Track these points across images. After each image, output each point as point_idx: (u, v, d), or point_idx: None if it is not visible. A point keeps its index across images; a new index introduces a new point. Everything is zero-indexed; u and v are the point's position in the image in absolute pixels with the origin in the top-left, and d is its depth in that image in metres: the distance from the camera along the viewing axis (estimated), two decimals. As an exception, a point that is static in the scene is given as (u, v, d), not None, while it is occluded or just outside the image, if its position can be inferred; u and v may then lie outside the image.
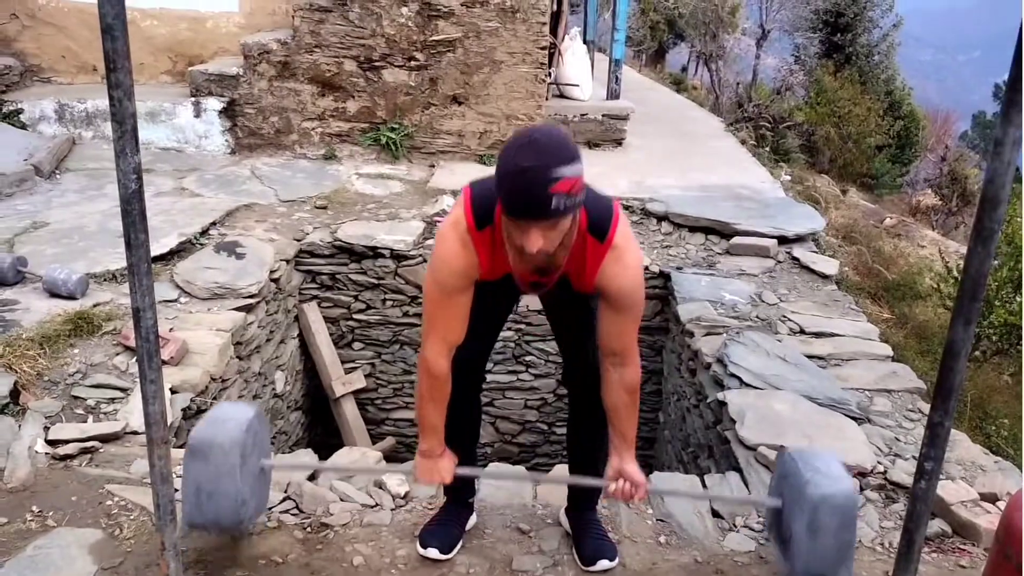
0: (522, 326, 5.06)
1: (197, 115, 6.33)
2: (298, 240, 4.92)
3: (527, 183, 1.75)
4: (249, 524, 2.28)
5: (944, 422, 1.80)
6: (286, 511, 2.62)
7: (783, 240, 5.06)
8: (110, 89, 1.59)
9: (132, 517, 2.51)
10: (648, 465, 4.93)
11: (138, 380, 3.27)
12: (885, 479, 2.89)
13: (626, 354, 2.12)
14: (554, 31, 7.42)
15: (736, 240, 5.01)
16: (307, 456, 3.05)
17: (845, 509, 2.09)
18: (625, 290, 2.03)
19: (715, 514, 2.72)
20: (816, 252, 5.06)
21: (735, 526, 2.66)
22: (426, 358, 2.13)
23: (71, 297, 3.79)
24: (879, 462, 2.96)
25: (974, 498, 2.72)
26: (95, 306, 3.75)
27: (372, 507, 2.67)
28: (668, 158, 6.85)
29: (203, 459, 2.15)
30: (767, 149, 9.81)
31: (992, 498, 2.72)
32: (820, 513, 2.07)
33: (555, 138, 1.81)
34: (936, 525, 2.66)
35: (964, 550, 2.57)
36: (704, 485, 2.92)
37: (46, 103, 6.21)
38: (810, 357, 3.72)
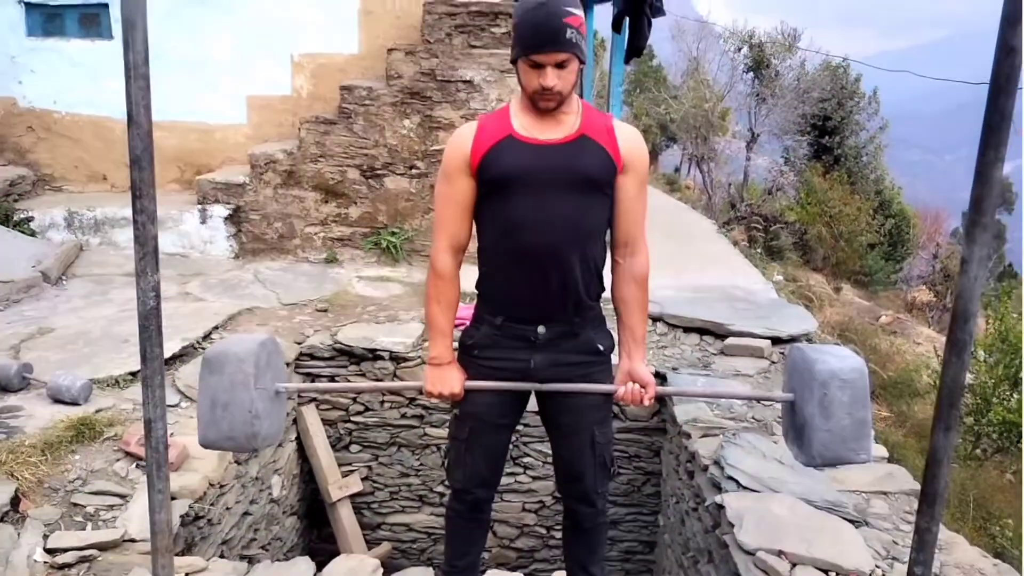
0: (520, 428, 5.08)
1: (203, 221, 6.52)
2: (298, 343, 4.99)
3: (545, 15, 2.01)
4: (263, 443, 2.21)
5: (931, 527, 1.84)
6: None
7: (777, 340, 5.14)
8: (135, 214, 1.71)
9: (129, 628, 2.50)
10: (649, 570, 4.87)
11: (137, 487, 3.32)
12: (884, 584, 2.88)
13: (637, 241, 2.24)
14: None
15: (730, 341, 5.09)
16: (304, 564, 3.04)
17: (855, 383, 2.05)
18: (643, 154, 2.19)
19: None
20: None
21: (735, 634, 2.64)
22: (433, 258, 2.25)
23: (74, 403, 3.84)
24: (877, 566, 2.96)
25: (974, 603, 2.71)
26: (97, 412, 3.80)
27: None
28: (662, 260, 6.97)
29: (218, 371, 2.13)
30: (759, 250, 10.01)
31: (992, 603, 2.71)
32: (830, 389, 2.04)
33: None
34: (937, 631, 2.65)
35: (966, 658, 2.55)
36: (703, 591, 2.91)
37: (56, 211, 6.42)
38: (806, 459, 3.74)
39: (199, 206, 6.51)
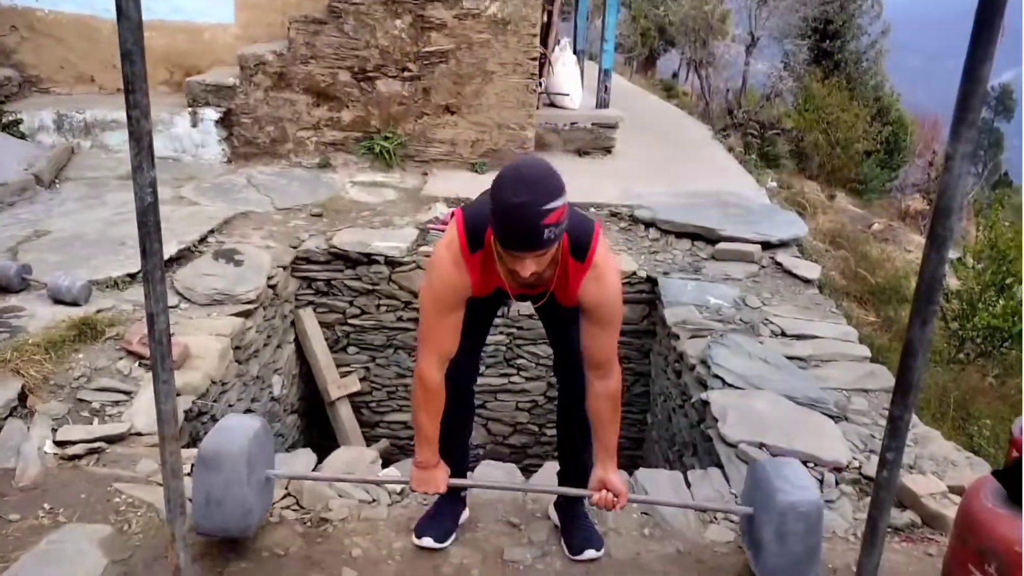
0: (513, 330, 5.19)
1: (194, 125, 6.45)
2: (294, 247, 5.03)
3: (521, 218, 1.89)
4: (253, 530, 2.41)
5: (904, 416, 1.93)
6: (287, 507, 2.74)
7: (767, 246, 5.20)
8: (128, 109, 1.71)
9: (139, 513, 2.63)
10: (636, 464, 5.05)
11: (140, 384, 3.41)
12: (860, 474, 3.02)
13: (608, 365, 2.26)
14: (544, 41, 7.56)
15: (721, 246, 5.15)
16: (307, 456, 3.16)
17: (810, 515, 2.24)
18: (604, 305, 2.18)
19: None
20: (799, 257, 5.20)
21: (715, 519, 2.79)
22: (421, 371, 2.27)
23: (75, 304, 3.90)
24: (854, 458, 3.10)
25: (943, 490, 2.86)
26: (98, 312, 3.86)
27: (369, 503, 2.79)
28: (657, 166, 6.99)
29: (213, 469, 2.30)
30: (754, 156, 9.97)
31: (960, 491, 2.84)
32: (787, 520, 2.23)
33: (543, 173, 1.95)
34: (907, 516, 2.80)
35: (932, 539, 2.70)
36: (687, 481, 3.04)
37: (45, 113, 6.33)
38: (791, 358, 3.86)
39: (189, 109, 6.42)
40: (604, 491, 2.32)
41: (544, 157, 7.04)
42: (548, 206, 1.89)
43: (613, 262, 2.22)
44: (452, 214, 2.47)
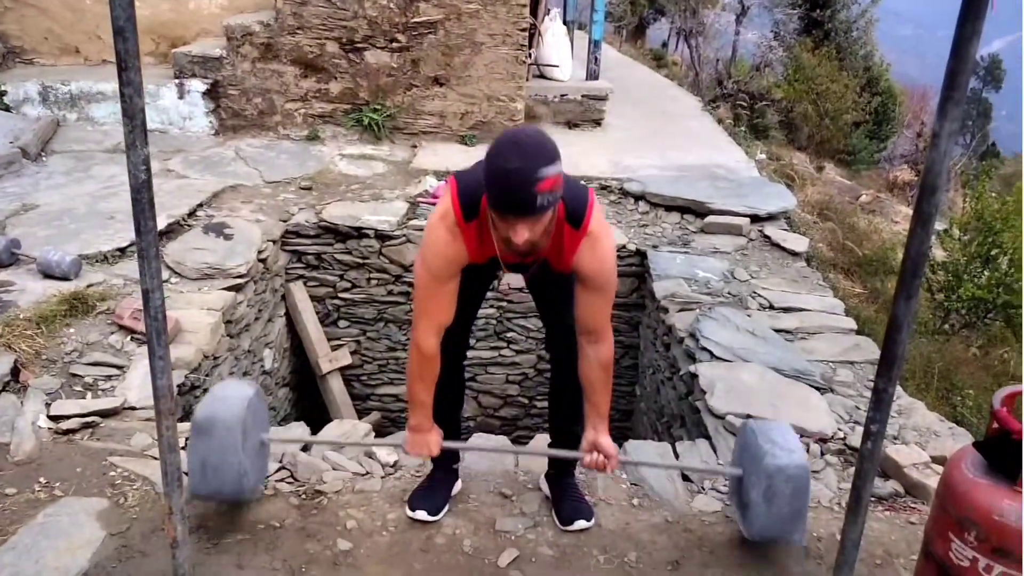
0: (503, 304, 5.22)
1: (181, 96, 6.39)
2: (284, 221, 5.03)
3: (515, 184, 1.90)
4: (250, 494, 2.44)
5: (888, 388, 1.97)
6: (282, 480, 2.78)
7: (755, 219, 5.23)
8: (121, 87, 1.71)
9: (136, 487, 2.66)
10: (625, 435, 5.12)
11: (133, 358, 3.43)
12: (844, 444, 3.08)
13: (600, 332, 2.29)
14: (534, 12, 7.50)
15: (710, 219, 5.17)
16: (300, 429, 3.20)
17: (798, 478, 2.30)
18: (599, 273, 2.20)
19: (685, 478, 2.91)
20: (787, 230, 5.23)
21: (703, 488, 2.84)
22: (418, 340, 2.29)
23: (65, 278, 3.90)
24: (839, 429, 3.15)
25: (925, 461, 2.92)
26: (88, 287, 3.86)
27: (363, 475, 2.83)
28: (646, 138, 6.99)
29: (208, 435, 2.32)
30: (743, 128, 9.96)
31: (942, 461, 2.91)
32: (775, 482, 2.29)
33: (538, 140, 1.96)
34: (890, 486, 2.86)
35: (915, 508, 2.77)
36: (676, 452, 3.09)
37: (30, 85, 6.25)
38: (778, 331, 3.90)
39: (176, 80, 6.36)
40: (595, 453, 2.35)
41: (534, 130, 6.98)
42: (542, 172, 1.90)
43: (608, 230, 2.25)
44: (446, 182, 2.48)
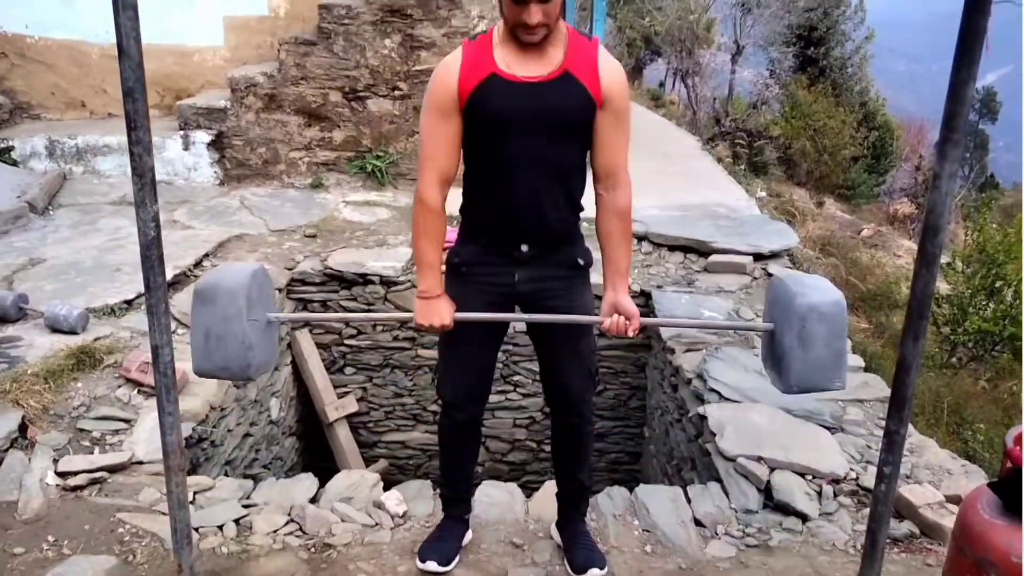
0: (509, 347, 5.21)
1: (186, 148, 6.47)
2: (289, 269, 5.05)
3: None
4: (256, 372, 2.28)
5: (899, 430, 1.96)
6: (290, 533, 2.75)
7: (759, 257, 5.24)
8: (131, 146, 1.74)
9: (144, 543, 2.64)
10: (635, 479, 5.08)
11: (140, 411, 3.43)
12: (857, 485, 3.05)
13: (619, 174, 2.28)
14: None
15: (714, 258, 5.19)
16: (308, 480, 3.18)
17: (833, 317, 2.10)
18: (624, 90, 2.22)
19: (697, 523, 2.88)
20: (790, 267, 5.25)
21: (716, 534, 2.82)
22: (420, 192, 2.27)
23: (72, 332, 3.91)
24: (851, 469, 3.13)
25: (940, 500, 2.89)
26: (96, 340, 3.87)
27: (372, 526, 2.81)
28: (647, 178, 7.03)
29: (211, 303, 2.17)
30: (743, 166, 10.03)
31: (957, 500, 2.88)
32: (809, 322, 2.08)
33: None
34: (905, 527, 2.83)
35: (931, 549, 2.73)
36: (687, 496, 3.07)
37: (36, 139, 6.34)
38: (786, 370, 3.88)
39: (181, 132, 6.45)
40: (616, 315, 2.27)
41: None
42: None
43: None
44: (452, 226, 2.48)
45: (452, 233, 2.50)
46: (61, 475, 2.97)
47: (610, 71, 2.20)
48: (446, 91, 2.18)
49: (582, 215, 2.39)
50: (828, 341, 2.09)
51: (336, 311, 5.14)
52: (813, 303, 2.09)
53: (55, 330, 3.91)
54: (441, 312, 2.28)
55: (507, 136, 2.18)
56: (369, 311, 5.12)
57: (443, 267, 2.38)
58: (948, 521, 2.73)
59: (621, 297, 2.28)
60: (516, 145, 2.18)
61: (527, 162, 2.19)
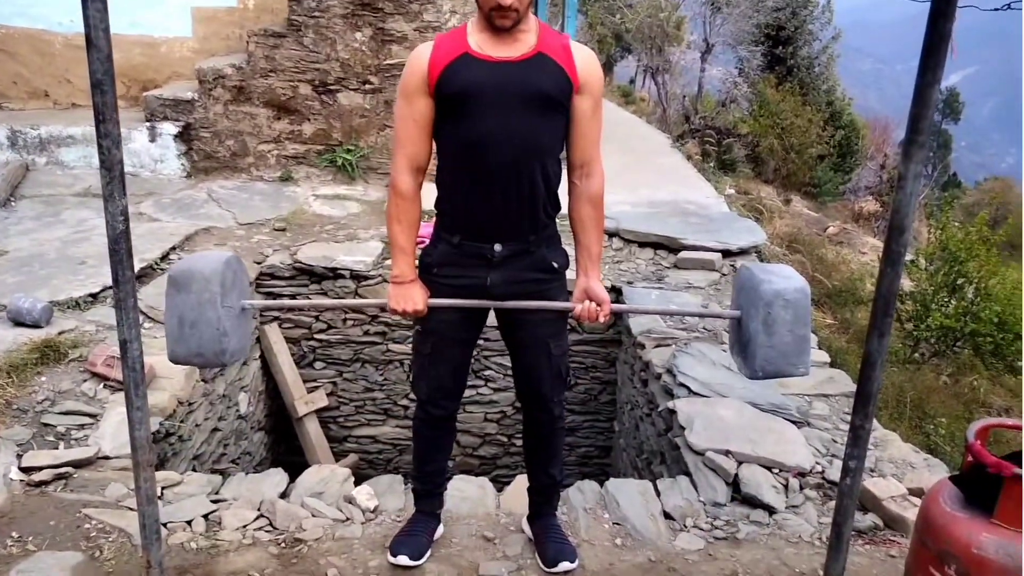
0: (481, 342, 5.19)
1: (152, 140, 6.38)
2: (258, 263, 5.01)
3: None
4: (231, 358, 2.27)
5: (864, 425, 2.00)
6: (260, 528, 2.74)
7: (727, 253, 5.30)
8: (99, 138, 1.72)
9: (111, 539, 2.61)
10: (605, 472, 5.11)
11: (106, 406, 3.38)
12: (823, 478, 3.10)
13: (592, 162, 2.30)
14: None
15: (683, 255, 5.24)
16: (278, 476, 3.16)
17: (798, 303, 2.15)
18: (599, 77, 2.24)
19: (667, 516, 2.91)
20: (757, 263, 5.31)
21: (685, 527, 2.85)
22: (393, 178, 2.28)
23: (36, 325, 3.84)
24: (817, 463, 3.18)
25: (903, 493, 2.95)
26: (60, 334, 3.81)
27: (343, 521, 2.80)
28: (617, 175, 7.05)
29: (185, 289, 2.17)
30: (712, 164, 10.12)
31: (919, 493, 2.94)
32: (774, 308, 2.13)
33: None
34: (869, 519, 2.88)
35: (894, 541, 2.79)
36: (657, 490, 3.10)
37: (-2, 130, 6.22)
38: (754, 365, 3.93)
39: (147, 123, 6.36)
40: (587, 301, 2.29)
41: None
42: None
43: None
44: (420, 250, 2.47)
45: (427, 228, 2.50)
46: (25, 471, 2.93)
47: (584, 55, 2.22)
48: (417, 73, 2.18)
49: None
50: (792, 327, 2.14)
51: (306, 305, 5.10)
52: (778, 289, 2.13)
53: (18, 323, 3.84)
54: (414, 297, 2.30)
55: (479, 113, 2.16)
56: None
57: (416, 261, 2.38)
58: (911, 513, 2.79)
59: (593, 283, 2.30)
60: (489, 122, 2.16)
61: (501, 140, 2.16)
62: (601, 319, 2.30)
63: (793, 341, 2.15)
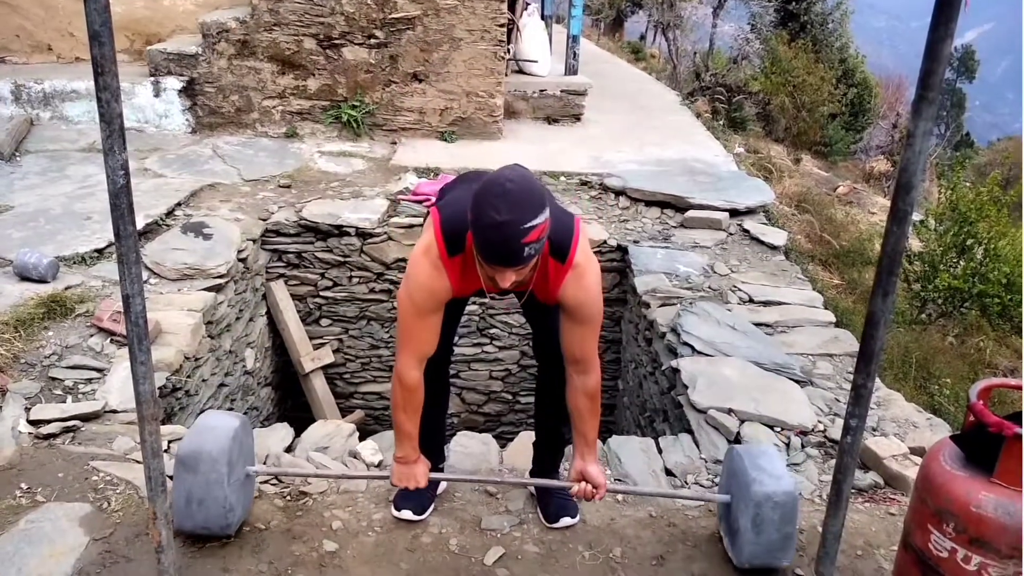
0: (486, 300, 5.22)
1: (156, 95, 6.33)
2: (263, 219, 5.00)
3: (502, 237, 1.88)
4: (234, 529, 2.41)
5: (867, 383, 2.00)
6: (266, 481, 2.77)
7: (735, 213, 5.27)
8: (98, 91, 1.70)
9: (119, 491, 2.64)
10: (608, 430, 5.15)
11: (113, 360, 3.40)
12: (825, 437, 3.12)
13: (587, 361, 2.28)
14: (512, 7, 7.50)
15: (690, 214, 5.20)
16: (284, 430, 3.19)
17: (785, 505, 2.31)
18: (584, 304, 2.19)
19: (668, 472, 2.93)
20: (766, 224, 5.28)
21: (687, 483, 2.87)
22: (400, 372, 2.28)
23: (42, 281, 3.86)
24: (820, 421, 3.19)
25: (904, 452, 2.96)
26: (67, 289, 3.83)
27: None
28: (626, 133, 7.01)
29: (193, 470, 2.29)
30: (722, 122, 10.01)
31: (921, 452, 2.96)
32: (763, 510, 2.29)
33: (525, 188, 1.92)
34: (870, 477, 2.90)
35: (894, 499, 2.81)
36: (659, 447, 3.12)
37: (2, 84, 6.15)
38: (758, 325, 3.94)
39: (151, 78, 6.30)
40: (583, 483, 2.38)
41: (513, 124, 6.92)
42: (529, 224, 1.88)
43: (594, 262, 2.22)
44: (426, 208, 2.47)
45: (432, 185, 2.48)
46: (33, 423, 2.96)
47: (572, 294, 2.18)
48: (439, 296, 2.20)
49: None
50: (779, 526, 2.32)
51: (311, 262, 5.11)
52: (768, 492, 2.30)
53: (24, 278, 3.86)
54: (417, 475, 2.43)
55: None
56: (345, 262, 5.09)
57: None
58: (912, 472, 2.81)
59: (589, 466, 2.38)
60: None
61: None
62: (596, 499, 2.41)
63: (779, 539, 2.33)
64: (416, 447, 2.42)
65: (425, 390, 2.36)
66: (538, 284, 2.19)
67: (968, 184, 7.71)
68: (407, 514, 2.57)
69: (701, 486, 2.86)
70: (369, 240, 5.02)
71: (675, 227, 5.18)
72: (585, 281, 2.16)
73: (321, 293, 5.23)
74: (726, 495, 2.48)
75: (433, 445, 2.69)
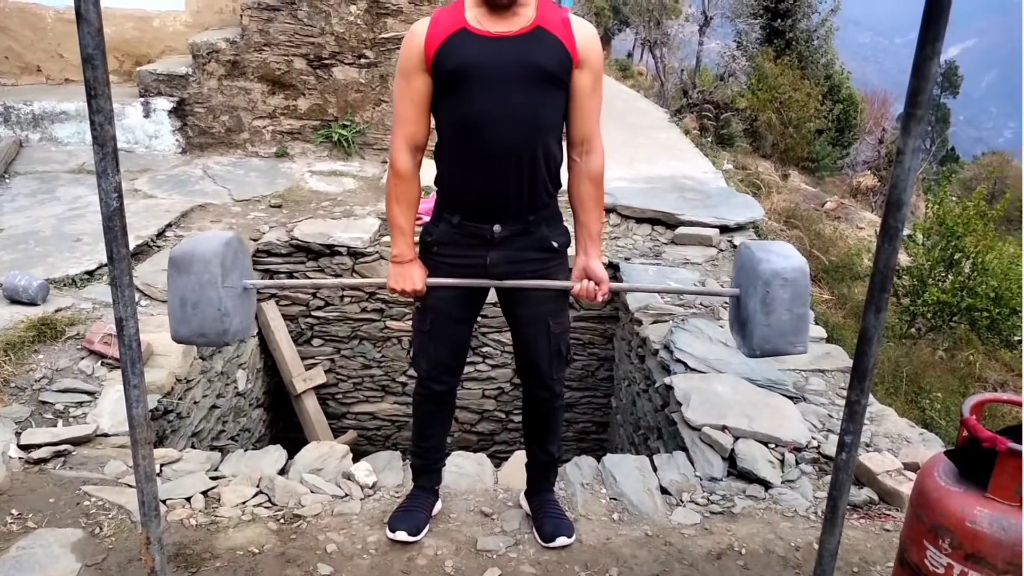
0: (479, 319, 5.20)
1: (147, 115, 6.33)
2: (254, 240, 4.99)
3: None
4: (233, 337, 2.27)
5: (860, 400, 2.00)
6: (259, 504, 2.75)
7: (725, 229, 5.30)
8: (91, 115, 1.69)
9: (111, 516, 2.62)
10: (602, 448, 5.14)
11: (104, 383, 3.38)
12: (819, 453, 3.12)
13: (592, 139, 2.26)
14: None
15: (681, 230, 5.23)
16: (277, 452, 3.17)
17: (796, 282, 2.15)
18: (599, 52, 2.20)
19: (663, 491, 2.93)
20: (756, 240, 5.30)
21: (682, 501, 2.87)
22: (392, 157, 2.26)
23: (32, 303, 3.84)
24: (813, 437, 3.20)
25: (898, 468, 2.97)
26: (57, 311, 3.81)
27: (342, 497, 2.82)
28: (615, 150, 7.00)
29: (185, 271, 2.18)
30: (710, 138, 10.08)
31: (915, 467, 2.97)
32: (772, 287, 2.13)
33: None
34: (864, 494, 2.90)
35: (889, 515, 2.81)
36: (653, 465, 3.11)
37: (-9, 105, 6.17)
38: (750, 341, 3.94)
39: (141, 99, 6.31)
40: (586, 280, 2.28)
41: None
42: None
43: None
44: (420, 226, 2.45)
45: (427, 203, 2.48)
46: (24, 448, 2.93)
47: (584, 30, 2.17)
48: (414, 50, 2.15)
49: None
50: (790, 306, 2.14)
51: (303, 282, 5.09)
52: (777, 268, 2.13)
53: (14, 301, 3.84)
54: (413, 277, 2.30)
55: (478, 89, 2.12)
56: (336, 282, 5.09)
57: (416, 239, 2.37)
58: (906, 488, 2.81)
59: (592, 262, 2.28)
60: (487, 100, 2.12)
61: (500, 118, 2.13)
62: (599, 297, 2.28)
63: (791, 320, 2.15)
64: (411, 245, 2.30)
65: (435, 407, 2.34)
66: (546, 16, 2.14)
67: (954, 198, 7.78)
68: (402, 535, 2.55)
69: (697, 504, 2.85)
70: (360, 259, 5.01)
71: (666, 244, 5.20)
72: (589, 25, 2.18)
73: (313, 313, 5.22)
74: (736, 288, 2.30)
75: (434, 464, 2.68)
